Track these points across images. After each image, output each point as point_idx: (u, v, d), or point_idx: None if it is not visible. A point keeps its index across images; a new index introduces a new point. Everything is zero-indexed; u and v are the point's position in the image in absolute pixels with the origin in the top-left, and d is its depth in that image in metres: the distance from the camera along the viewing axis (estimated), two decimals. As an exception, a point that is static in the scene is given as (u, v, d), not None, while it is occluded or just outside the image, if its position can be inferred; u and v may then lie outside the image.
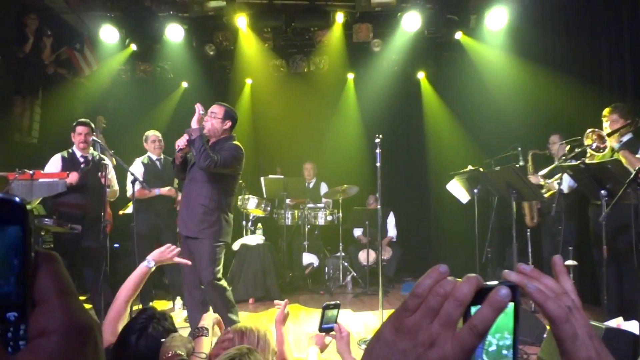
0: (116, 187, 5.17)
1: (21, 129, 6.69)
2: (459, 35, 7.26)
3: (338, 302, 2.20)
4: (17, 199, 0.34)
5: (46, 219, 4.24)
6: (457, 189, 5.67)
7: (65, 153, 4.86)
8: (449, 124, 7.92)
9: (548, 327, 3.57)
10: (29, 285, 0.33)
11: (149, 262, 2.30)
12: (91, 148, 4.92)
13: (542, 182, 5.28)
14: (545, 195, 5.12)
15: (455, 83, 7.92)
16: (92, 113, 6.97)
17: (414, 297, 0.48)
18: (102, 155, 4.91)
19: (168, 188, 5.50)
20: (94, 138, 4.72)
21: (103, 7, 7.03)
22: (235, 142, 4.00)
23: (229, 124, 3.99)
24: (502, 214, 5.86)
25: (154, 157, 5.69)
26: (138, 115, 7.79)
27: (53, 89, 7.16)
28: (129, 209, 6.35)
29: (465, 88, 7.70)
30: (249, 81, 8.71)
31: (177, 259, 2.48)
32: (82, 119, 4.92)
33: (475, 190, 5.37)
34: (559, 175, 4.86)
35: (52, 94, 7.16)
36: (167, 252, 2.41)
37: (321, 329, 2.16)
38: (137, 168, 5.51)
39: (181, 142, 3.80)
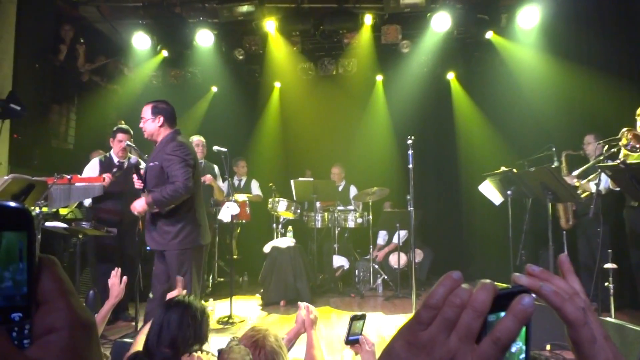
0: None
1: (58, 135, 6.88)
2: (489, 34, 7.16)
3: (364, 313, 2.18)
4: (22, 206, 0.36)
5: (83, 222, 4.34)
6: (490, 190, 5.58)
7: (102, 157, 5.00)
8: (480, 125, 7.80)
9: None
10: (33, 287, 0.35)
11: None
12: (128, 153, 5.04)
13: (577, 183, 5.15)
14: (582, 196, 5.00)
15: (486, 83, 7.81)
16: (125, 119, 7.10)
17: (427, 308, 0.44)
18: (139, 160, 5.01)
19: (209, 176, 5.67)
20: (129, 143, 4.82)
21: (135, 15, 7.18)
22: (177, 141, 3.76)
23: (161, 118, 3.78)
24: (536, 215, 5.73)
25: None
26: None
27: (87, 96, 7.35)
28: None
29: (497, 88, 7.59)
30: (277, 85, 8.77)
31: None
32: (123, 126, 5.04)
33: (509, 192, 5.28)
34: (595, 175, 4.74)
35: (87, 100, 7.35)
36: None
37: (347, 341, 2.13)
38: None
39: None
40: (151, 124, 3.77)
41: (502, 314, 0.44)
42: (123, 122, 5.32)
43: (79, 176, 4.44)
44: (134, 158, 4.24)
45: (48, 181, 4.06)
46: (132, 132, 5.04)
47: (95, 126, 7.25)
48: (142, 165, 4.91)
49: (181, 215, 3.72)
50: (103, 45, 7.61)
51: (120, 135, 4.93)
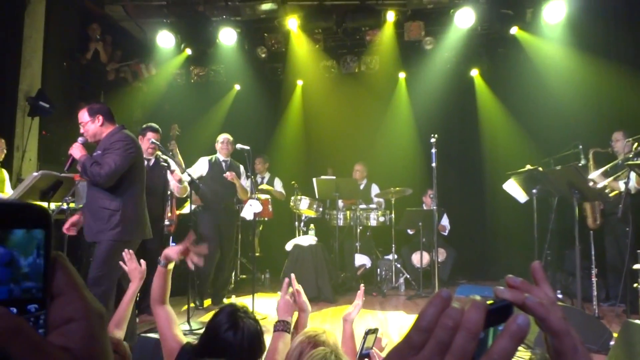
0: (186, 183, 5.31)
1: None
2: (514, 30, 7.04)
3: (377, 327, 2.19)
4: (41, 205, 0.38)
5: None
6: (515, 189, 5.51)
7: None
8: (505, 122, 7.70)
9: (615, 335, 3.40)
10: (49, 280, 0.38)
11: (161, 262, 2.24)
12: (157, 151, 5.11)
13: (607, 182, 5.04)
14: (610, 195, 4.89)
15: (511, 79, 7.70)
16: (150, 116, 7.21)
17: (418, 331, 0.42)
18: (165, 157, 5.08)
19: (229, 173, 5.67)
20: (154, 140, 4.88)
21: (159, 13, 7.26)
22: (124, 133, 3.72)
23: (100, 118, 3.69)
24: (562, 215, 5.63)
25: (221, 158, 5.85)
26: (193, 117, 8.00)
27: (113, 94, 7.45)
28: (185, 209, 6.55)
29: (522, 84, 7.48)
30: (299, 82, 8.77)
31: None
32: (153, 125, 5.09)
33: (534, 191, 5.21)
34: (623, 173, 4.64)
35: (113, 98, 7.45)
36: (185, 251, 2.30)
37: (361, 355, 2.16)
38: (202, 166, 5.72)
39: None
40: (92, 125, 3.68)
41: (491, 330, 0.43)
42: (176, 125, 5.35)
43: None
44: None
45: (75, 177, 4.14)
46: (161, 131, 5.11)
47: (120, 123, 7.35)
48: (171, 164, 4.99)
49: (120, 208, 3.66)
50: (128, 43, 7.72)
51: (150, 134, 5.00)
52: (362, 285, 2.53)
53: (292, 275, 2.28)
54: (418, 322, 0.43)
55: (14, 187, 5.08)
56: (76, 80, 6.60)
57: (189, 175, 4.75)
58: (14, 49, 5.33)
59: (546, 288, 0.60)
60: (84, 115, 3.70)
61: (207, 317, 4.98)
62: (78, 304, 0.39)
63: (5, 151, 5.08)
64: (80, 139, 3.67)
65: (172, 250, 2.28)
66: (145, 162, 4.98)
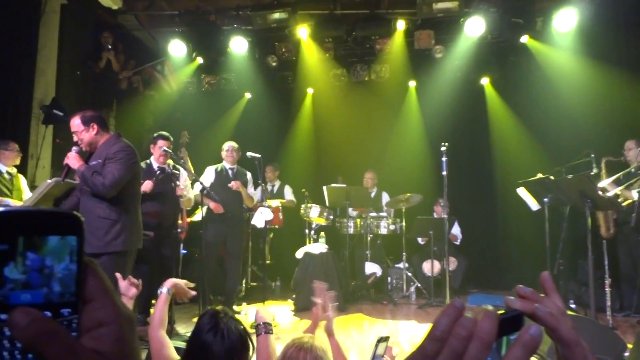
0: (190, 195, 5.36)
1: (97, 140, 7.06)
2: (525, 38, 7.03)
3: (389, 335, 2.20)
4: (74, 213, 0.39)
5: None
6: (526, 197, 5.47)
7: (143, 164, 5.12)
8: (515, 130, 7.67)
9: (630, 345, 3.36)
10: (81, 285, 0.39)
11: (163, 289, 2.31)
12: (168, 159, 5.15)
13: (617, 190, 5.00)
14: (623, 205, 4.85)
15: (521, 88, 7.69)
16: (161, 124, 7.28)
17: (432, 340, 0.43)
18: (177, 166, 5.12)
19: (234, 182, 5.73)
20: (165, 148, 4.92)
21: (171, 23, 7.34)
22: (124, 142, 3.67)
23: (94, 126, 3.62)
24: (574, 224, 5.58)
25: (228, 166, 5.88)
26: (204, 125, 8.06)
27: (126, 102, 7.54)
28: (196, 217, 6.58)
29: (533, 93, 7.46)
30: (310, 91, 8.81)
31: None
32: (164, 133, 5.15)
33: (546, 199, 5.17)
34: (636, 181, 4.60)
35: (125, 106, 7.55)
36: (183, 289, 2.39)
37: None
38: (209, 175, 5.75)
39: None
40: (86, 134, 3.59)
41: (504, 339, 0.43)
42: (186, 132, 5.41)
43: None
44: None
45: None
46: (172, 139, 5.15)
47: (132, 131, 7.44)
48: (181, 171, 5.03)
49: (121, 218, 3.62)
50: (140, 52, 7.80)
51: (161, 142, 5.05)
52: (317, 298, 2.42)
53: (331, 294, 2.36)
54: (432, 331, 0.44)
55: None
56: (89, 89, 6.68)
57: (201, 184, 4.79)
58: (29, 58, 5.41)
59: (556, 298, 0.61)
60: (77, 125, 3.60)
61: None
62: (109, 308, 0.41)
63: (20, 154, 5.14)
64: (74, 148, 3.57)
65: (177, 284, 2.37)
66: (158, 171, 5.03)
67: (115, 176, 3.47)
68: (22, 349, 0.36)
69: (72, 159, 3.53)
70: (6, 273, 0.36)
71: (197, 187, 5.06)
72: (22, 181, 5.18)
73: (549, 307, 0.56)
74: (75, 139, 3.65)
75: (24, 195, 5.07)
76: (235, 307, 5.86)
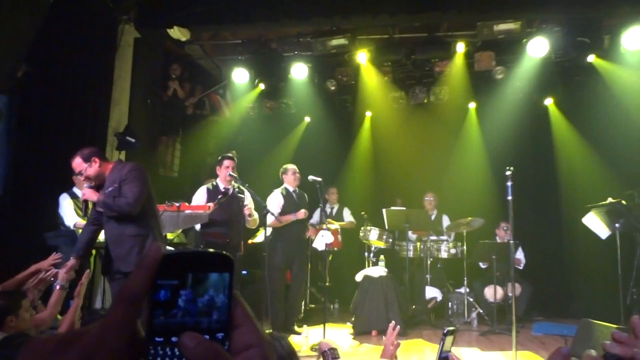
0: (256, 215, 5.46)
1: (165, 164, 7.42)
2: (591, 57, 6.83)
3: (455, 327, 2.10)
4: (228, 254, 0.47)
5: (189, 247, 4.63)
6: (596, 223, 5.27)
7: (210, 185, 5.34)
8: (582, 153, 7.42)
9: None
10: (231, 314, 0.46)
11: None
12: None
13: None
14: None
15: (588, 108, 7.44)
16: (224, 148, 7.52)
17: None
18: (242, 188, 5.26)
19: (303, 211, 5.85)
20: (231, 173, 5.10)
21: (235, 51, 7.64)
22: (129, 163, 3.80)
23: (96, 160, 3.73)
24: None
25: (291, 189, 5.99)
26: (265, 149, 8.27)
27: (191, 128, 7.87)
28: (258, 238, 6.72)
29: (601, 113, 7.20)
30: (368, 114, 8.89)
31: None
32: (229, 154, 5.35)
33: (617, 225, 4.96)
34: None
35: (190, 132, 7.87)
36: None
37: (440, 358, 2.05)
38: (276, 198, 5.88)
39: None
40: (91, 169, 3.71)
41: None
42: (235, 152, 5.61)
43: (186, 204, 4.75)
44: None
45: (159, 208, 4.38)
46: (236, 160, 5.33)
47: (196, 155, 7.76)
48: (245, 193, 5.17)
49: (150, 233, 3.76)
50: (205, 79, 8.15)
51: (227, 162, 5.24)
52: (392, 323, 2.41)
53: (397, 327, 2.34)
54: None
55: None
56: (158, 116, 7.03)
57: (266, 208, 4.92)
58: (106, 88, 5.77)
59: None
60: (79, 164, 3.72)
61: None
62: (255, 333, 0.47)
63: None
64: (86, 185, 3.75)
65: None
66: (224, 190, 5.20)
67: (136, 192, 3.64)
68: None
69: (89, 194, 3.73)
70: (178, 303, 0.44)
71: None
72: None
73: None
74: (81, 178, 3.85)
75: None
76: (296, 328, 5.92)
